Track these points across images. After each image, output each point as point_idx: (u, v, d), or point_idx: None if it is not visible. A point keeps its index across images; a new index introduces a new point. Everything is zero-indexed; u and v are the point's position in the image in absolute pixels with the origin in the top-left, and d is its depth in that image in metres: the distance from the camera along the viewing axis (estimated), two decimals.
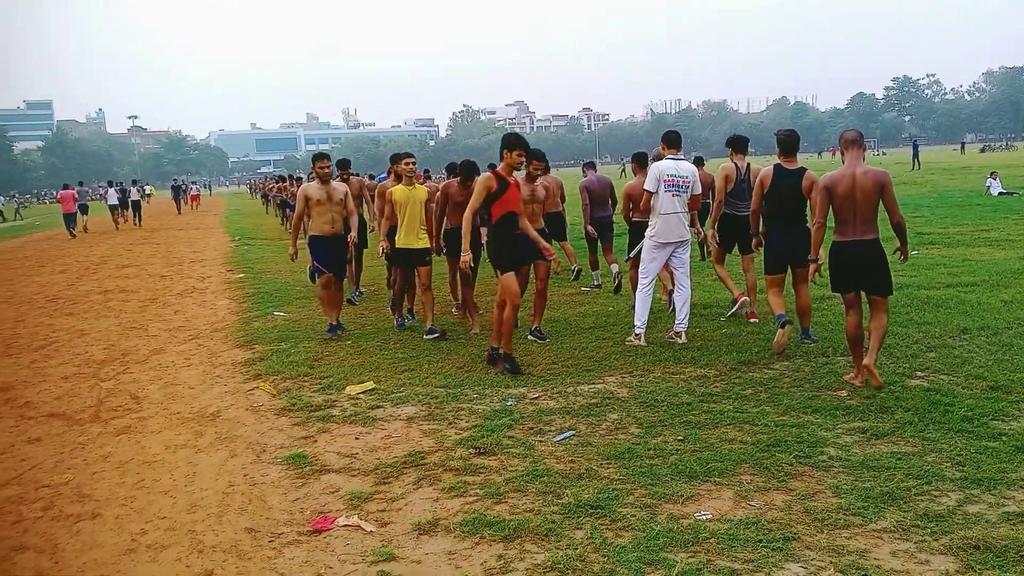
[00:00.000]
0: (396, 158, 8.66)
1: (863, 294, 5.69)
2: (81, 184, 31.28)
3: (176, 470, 4.80)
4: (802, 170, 6.70)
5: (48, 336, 9.34)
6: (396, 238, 8.13)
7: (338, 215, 8.34)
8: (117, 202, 31.58)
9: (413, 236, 8.07)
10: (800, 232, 6.64)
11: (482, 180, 6.58)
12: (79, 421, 5.91)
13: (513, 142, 6.57)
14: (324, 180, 8.31)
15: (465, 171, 8.36)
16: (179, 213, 39.83)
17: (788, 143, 6.79)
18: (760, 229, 7.03)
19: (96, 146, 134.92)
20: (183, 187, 46.53)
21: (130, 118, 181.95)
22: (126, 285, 13.74)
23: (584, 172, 10.61)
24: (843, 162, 5.67)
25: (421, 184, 9.20)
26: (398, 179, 8.59)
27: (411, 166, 8.19)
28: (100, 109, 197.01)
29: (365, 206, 11.72)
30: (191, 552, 3.72)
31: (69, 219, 27.12)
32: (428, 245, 8.24)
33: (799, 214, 6.76)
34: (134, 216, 31.93)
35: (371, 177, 21.10)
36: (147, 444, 5.31)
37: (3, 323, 10.43)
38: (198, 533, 3.91)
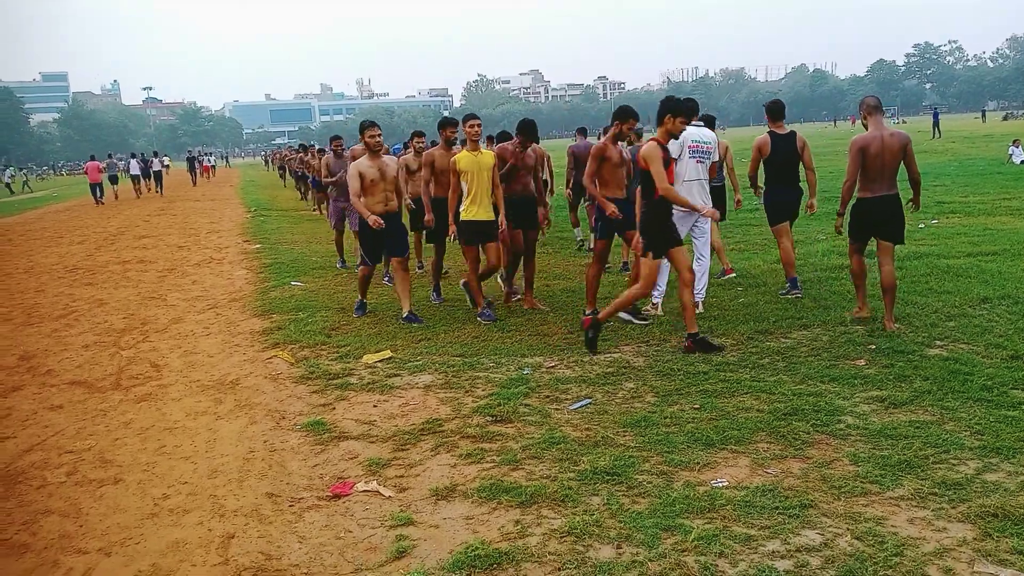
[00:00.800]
0: (447, 123, 7.99)
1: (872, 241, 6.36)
2: (110, 156, 34.58)
3: (197, 436, 4.86)
4: (793, 133, 7.54)
5: (68, 306, 9.43)
6: (462, 210, 7.37)
7: (391, 193, 7.53)
8: (139, 172, 33.35)
9: (484, 207, 7.33)
10: (797, 189, 7.60)
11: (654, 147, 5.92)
12: (100, 389, 5.99)
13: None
14: (375, 151, 7.45)
15: (527, 132, 7.73)
16: (194, 185, 39.38)
17: (776, 110, 7.60)
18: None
19: (111, 118, 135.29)
20: (198, 158, 46.41)
21: (145, 89, 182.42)
22: (144, 256, 13.84)
23: (575, 137, 11.53)
24: (866, 127, 6.15)
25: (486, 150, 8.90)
26: (417, 152, 8.63)
27: (477, 128, 7.37)
28: (115, 81, 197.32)
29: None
30: (213, 516, 3.77)
31: (95, 187, 28.94)
32: (495, 217, 7.41)
33: (796, 173, 7.56)
34: (156, 185, 33.61)
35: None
36: (168, 411, 5.38)
37: (24, 293, 10.54)
38: (219, 498, 3.97)
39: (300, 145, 26.80)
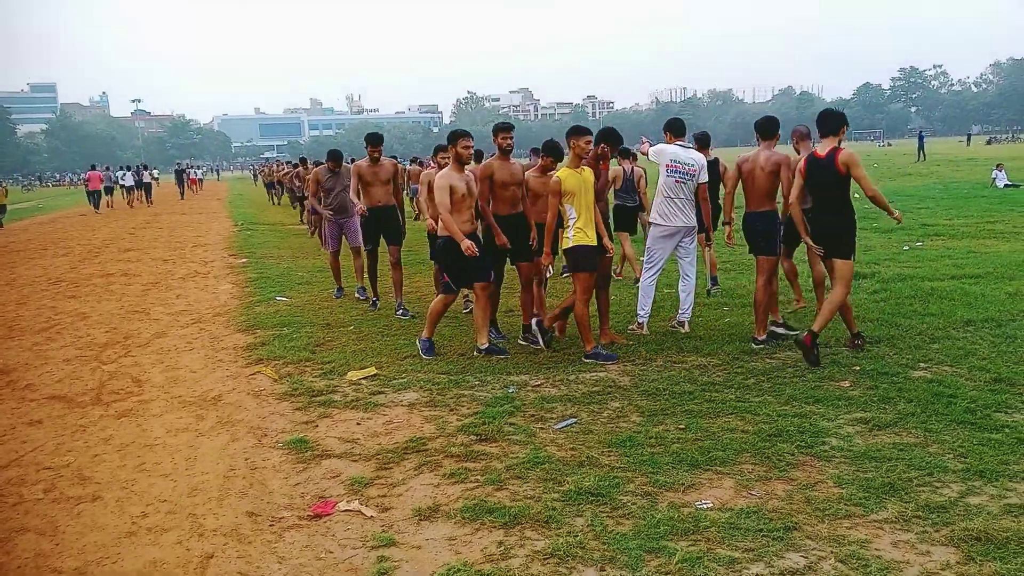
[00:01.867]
0: (501, 128, 6.88)
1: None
2: (108, 168, 36.47)
3: (177, 453, 4.80)
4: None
5: (50, 319, 9.34)
6: (571, 235, 6.48)
7: (473, 210, 6.85)
8: (132, 183, 35.40)
9: (592, 229, 6.52)
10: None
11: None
12: (80, 404, 5.92)
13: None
14: (464, 164, 6.72)
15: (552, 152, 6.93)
16: (182, 198, 39.21)
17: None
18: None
19: (99, 129, 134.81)
20: (186, 171, 46.09)
21: (134, 101, 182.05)
22: (128, 269, 13.73)
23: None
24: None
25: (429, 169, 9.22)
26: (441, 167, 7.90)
27: (588, 144, 6.46)
28: (104, 92, 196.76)
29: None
30: (192, 535, 3.72)
31: (94, 195, 31.18)
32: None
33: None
34: (146, 196, 35.18)
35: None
36: (148, 427, 5.32)
37: (5, 305, 10.43)
38: (199, 516, 3.92)
39: (300, 159, 24.69)
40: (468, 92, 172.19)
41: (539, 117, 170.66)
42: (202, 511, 3.98)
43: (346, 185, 9.31)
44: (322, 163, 12.59)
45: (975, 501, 3.66)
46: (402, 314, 8.46)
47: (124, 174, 36.18)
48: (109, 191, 32.65)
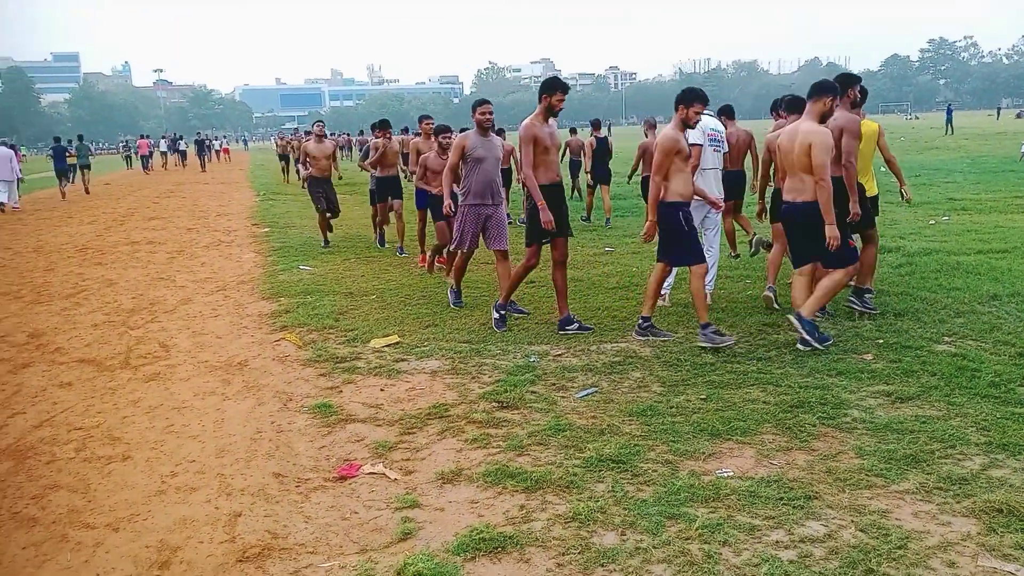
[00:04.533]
0: (690, 95, 5.98)
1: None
2: (149, 137, 48.81)
3: (205, 416, 4.89)
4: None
5: (78, 285, 9.48)
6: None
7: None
8: (167, 149, 45.05)
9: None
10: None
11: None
12: (109, 367, 6.02)
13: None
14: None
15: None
16: (203, 170, 37.98)
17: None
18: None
19: (122, 99, 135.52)
20: (207, 142, 45.49)
21: (156, 71, 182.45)
22: (153, 237, 13.88)
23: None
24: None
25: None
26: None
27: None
28: (126, 62, 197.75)
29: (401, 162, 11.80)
30: (220, 495, 3.80)
31: (144, 158, 40.43)
32: None
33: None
34: (181, 160, 44.46)
35: (405, 131, 21.18)
36: (176, 391, 5.41)
37: (34, 271, 10.59)
38: (227, 476, 4.00)
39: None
40: (489, 63, 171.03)
41: None
42: (230, 471, 4.06)
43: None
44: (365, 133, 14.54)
45: (997, 474, 3.65)
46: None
47: (161, 142, 46.82)
48: (150, 156, 41.07)
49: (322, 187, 11.68)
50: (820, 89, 5.64)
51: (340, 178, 12.80)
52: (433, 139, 9.04)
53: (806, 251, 5.84)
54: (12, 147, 24.99)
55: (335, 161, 12.18)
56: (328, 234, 12.02)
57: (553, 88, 6.20)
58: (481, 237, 7.08)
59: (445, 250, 8.56)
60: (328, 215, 11.81)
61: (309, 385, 5.38)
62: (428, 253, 9.45)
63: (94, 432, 4.69)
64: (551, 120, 6.31)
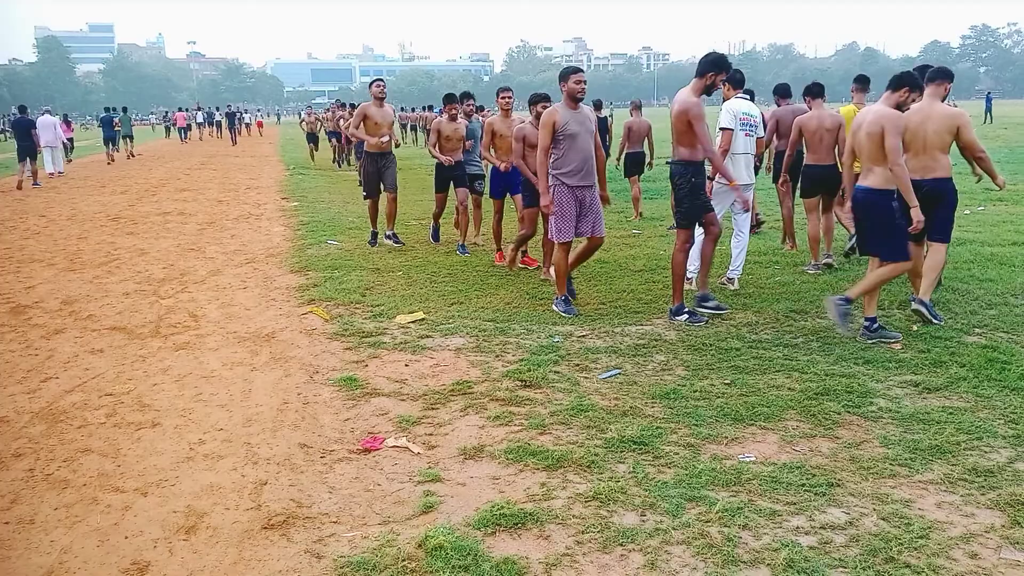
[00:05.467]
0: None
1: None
2: (187, 110, 52.51)
3: (233, 386, 4.97)
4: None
5: (110, 253, 9.62)
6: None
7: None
8: (203, 120, 48.08)
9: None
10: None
11: None
12: (140, 335, 6.12)
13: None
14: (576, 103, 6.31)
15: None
16: (234, 144, 37.53)
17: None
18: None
19: (155, 70, 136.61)
20: (238, 115, 44.90)
21: (189, 43, 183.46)
22: (184, 208, 14.03)
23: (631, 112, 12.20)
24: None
25: (475, 119, 9.60)
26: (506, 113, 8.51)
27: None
28: (160, 34, 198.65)
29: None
30: (246, 463, 3.87)
31: (182, 130, 44.26)
32: None
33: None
34: (218, 131, 45.13)
35: (429, 108, 21.12)
36: (205, 360, 5.49)
37: (67, 239, 10.77)
38: (253, 446, 4.06)
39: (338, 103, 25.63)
40: (521, 41, 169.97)
41: (592, 67, 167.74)
42: (256, 440, 4.12)
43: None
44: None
45: None
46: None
47: (196, 113, 50.40)
48: (187, 129, 44.76)
49: (378, 165, 9.63)
50: (935, 75, 5.77)
51: (398, 145, 10.76)
52: (532, 109, 7.36)
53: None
54: (65, 117, 30.92)
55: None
56: (384, 228, 9.89)
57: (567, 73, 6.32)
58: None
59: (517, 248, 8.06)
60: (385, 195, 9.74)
61: (335, 358, 5.43)
62: (512, 247, 8.14)
63: (124, 399, 4.78)
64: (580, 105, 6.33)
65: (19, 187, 17.46)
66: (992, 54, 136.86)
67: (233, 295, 7.37)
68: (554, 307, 6.42)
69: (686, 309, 6.09)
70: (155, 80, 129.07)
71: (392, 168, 9.74)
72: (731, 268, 7.17)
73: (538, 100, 7.39)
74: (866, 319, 5.56)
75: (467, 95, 10.09)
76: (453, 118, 9.37)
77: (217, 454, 3.99)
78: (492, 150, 8.53)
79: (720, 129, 6.94)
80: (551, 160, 6.23)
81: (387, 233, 9.87)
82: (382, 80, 9.88)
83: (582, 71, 6.39)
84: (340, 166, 23.13)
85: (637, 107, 12.34)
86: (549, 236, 6.66)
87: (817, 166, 7.62)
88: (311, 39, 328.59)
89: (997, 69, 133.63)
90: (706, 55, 5.98)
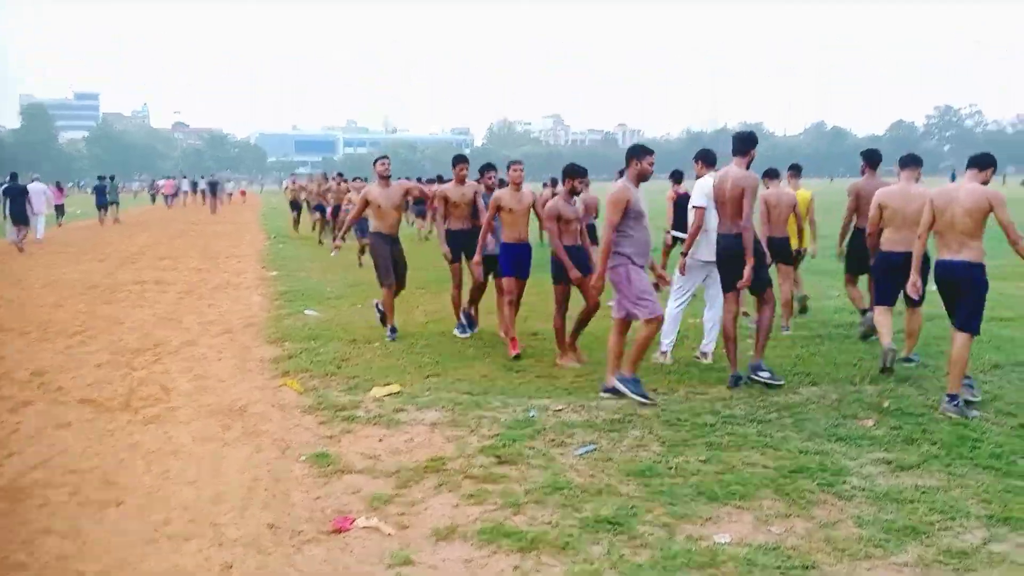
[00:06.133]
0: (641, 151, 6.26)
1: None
2: (174, 178, 53.96)
3: (202, 462, 4.88)
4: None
5: (85, 323, 9.52)
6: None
7: None
8: (189, 188, 49.99)
9: None
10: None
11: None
12: (109, 408, 6.03)
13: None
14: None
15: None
16: (213, 212, 36.76)
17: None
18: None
19: (140, 139, 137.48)
20: (220, 184, 44.21)
21: (174, 113, 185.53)
22: (163, 277, 13.97)
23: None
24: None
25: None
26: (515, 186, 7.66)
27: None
28: (145, 104, 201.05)
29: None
30: (213, 544, 3.78)
31: (168, 197, 45.44)
32: None
33: None
34: (203, 198, 44.17)
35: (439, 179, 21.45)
36: (175, 434, 5.40)
37: (42, 307, 10.66)
38: (221, 525, 3.98)
39: (337, 174, 24.06)
40: (501, 116, 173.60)
41: (570, 143, 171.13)
42: (224, 520, 4.04)
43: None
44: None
45: (998, 548, 3.62)
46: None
47: (183, 182, 52.61)
48: (175, 194, 46.66)
49: (389, 248, 8.49)
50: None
51: (411, 223, 9.50)
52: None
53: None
54: (58, 183, 32.57)
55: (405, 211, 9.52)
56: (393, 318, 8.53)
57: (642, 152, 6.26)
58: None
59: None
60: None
61: (308, 433, 5.37)
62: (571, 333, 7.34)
63: (89, 476, 4.68)
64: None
65: (20, 250, 18.11)
66: (955, 133, 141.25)
67: (207, 366, 7.30)
68: (631, 393, 5.90)
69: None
70: (139, 149, 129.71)
71: (403, 258, 8.65)
72: (704, 342, 7.22)
73: (577, 174, 7.15)
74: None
75: (489, 166, 8.88)
76: (462, 181, 8.41)
77: (183, 535, 3.89)
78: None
79: (693, 207, 7.08)
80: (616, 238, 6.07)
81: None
82: (387, 157, 8.78)
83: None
84: (322, 243, 21.41)
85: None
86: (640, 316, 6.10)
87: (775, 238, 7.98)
88: (296, 112, 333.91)
89: (960, 147, 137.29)
90: (742, 133, 6.72)
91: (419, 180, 23.67)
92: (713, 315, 7.23)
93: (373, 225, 8.51)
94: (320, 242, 22.43)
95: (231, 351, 7.92)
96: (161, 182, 50.50)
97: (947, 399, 5.54)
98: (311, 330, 8.77)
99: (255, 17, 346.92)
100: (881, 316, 6.69)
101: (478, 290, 8.49)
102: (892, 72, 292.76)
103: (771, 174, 8.64)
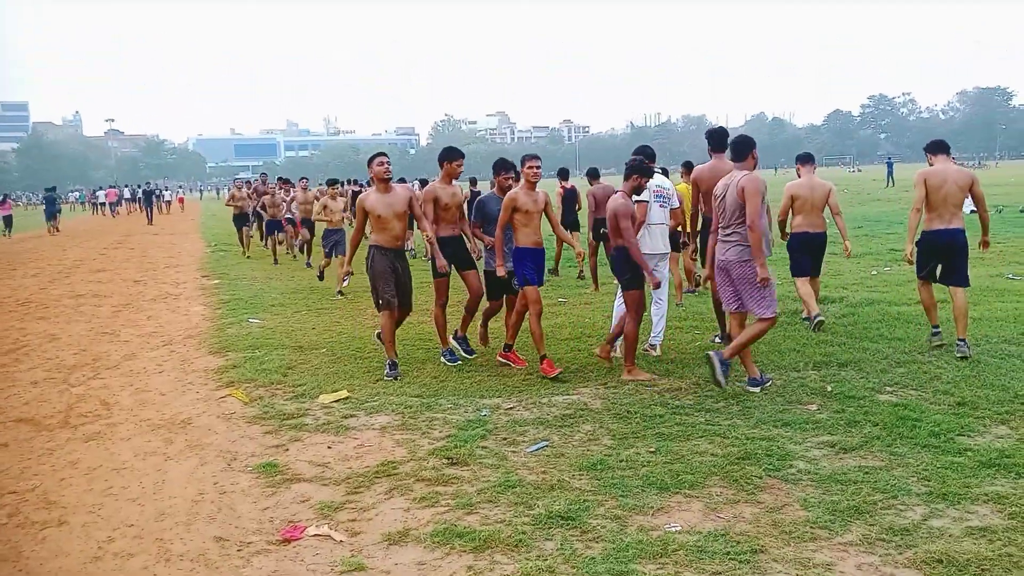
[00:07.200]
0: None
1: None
2: (116, 187, 54.75)
3: (145, 477, 4.76)
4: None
5: (18, 340, 9.21)
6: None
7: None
8: (129, 197, 52.60)
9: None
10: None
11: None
12: (48, 427, 5.84)
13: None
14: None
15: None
16: (150, 223, 35.11)
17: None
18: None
19: (72, 149, 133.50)
20: (156, 192, 43.67)
21: (107, 121, 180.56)
22: (99, 290, 13.59)
23: (590, 181, 12.13)
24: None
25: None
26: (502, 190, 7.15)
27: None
28: (77, 112, 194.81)
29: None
30: (158, 561, 3.69)
31: (112, 206, 47.86)
32: None
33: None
34: (140, 206, 44.09)
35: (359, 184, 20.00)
36: (116, 451, 5.26)
37: None
38: (166, 541, 3.88)
39: (280, 179, 20.54)
40: (445, 115, 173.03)
41: (516, 140, 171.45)
42: (169, 536, 3.94)
43: None
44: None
45: (937, 524, 3.72)
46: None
47: (124, 191, 54.88)
48: (118, 203, 49.12)
49: (393, 265, 6.96)
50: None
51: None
52: (634, 180, 6.53)
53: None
54: (5, 196, 33.46)
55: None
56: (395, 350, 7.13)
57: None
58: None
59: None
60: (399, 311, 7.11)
61: (254, 443, 5.27)
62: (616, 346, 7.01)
63: (29, 496, 4.53)
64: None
65: None
66: (890, 122, 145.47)
67: (148, 380, 7.12)
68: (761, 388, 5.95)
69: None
70: (72, 158, 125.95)
71: (409, 276, 7.18)
72: (652, 335, 7.30)
73: (507, 168, 7.33)
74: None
75: (506, 164, 7.50)
76: (455, 177, 7.38)
77: (127, 552, 3.79)
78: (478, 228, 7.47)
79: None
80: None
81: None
82: (385, 155, 7.09)
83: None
84: (300, 254, 16.85)
85: (596, 176, 12.38)
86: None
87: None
88: (234, 115, 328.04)
89: (895, 135, 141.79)
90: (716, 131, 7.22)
91: (359, 184, 22.90)
92: (660, 308, 7.32)
93: (372, 238, 6.97)
94: (293, 255, 17.62)
95: (172, 363, 7.74)
96: (101, 192, 51.90)
97: (960, 342, 6.58)
98: (255, 339, 8.62)
99: (188, 16, 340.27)
100: (803, 286, 7.87)
101: (494, 311, 7.62)
102: (828, 62, 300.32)
103: (804, 159, 8.86)
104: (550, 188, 10.54)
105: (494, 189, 7.38)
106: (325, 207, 12.79)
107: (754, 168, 6.13)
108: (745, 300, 6.03)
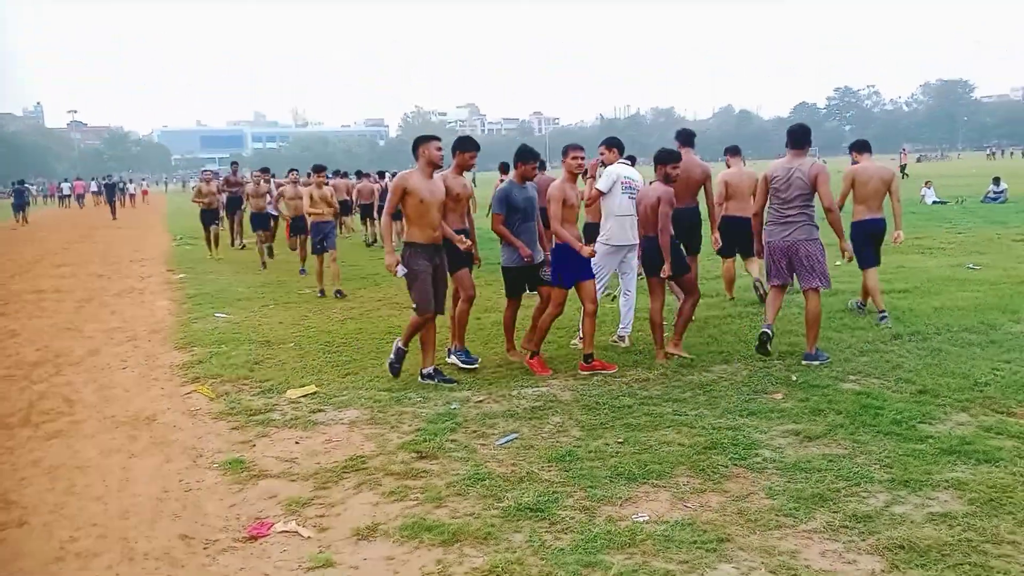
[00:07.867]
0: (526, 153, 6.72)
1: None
2: (82, 180, 55.77)
3: (109, 475, 4.69)
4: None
5: None
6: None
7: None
8: (96, 190, 48.32)
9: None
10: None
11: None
12: (8, 425, 5.73)
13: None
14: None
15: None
16: (114, 218, 33.74)
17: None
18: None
19: (33, 140, 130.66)
20: (120, 186, 43.10)
21: (70, 112, 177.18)
22: (61, 285, 13.34)
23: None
24: (728, 166, 9.22)
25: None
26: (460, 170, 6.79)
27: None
28: (38, 103, 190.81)
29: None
30: (122, 560, 3.64)
31: (79, 197, 50.11)
32: None
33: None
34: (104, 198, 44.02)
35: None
36: (79, 448, 5.17)
37: None
38: (130, 540, 3.83)
39: (262, 169, 16.77)
40: (415, 107, 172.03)
41: (486, 132, 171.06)
42: (134, 535, 3.89)
43: None
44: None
45: (899, 510, 3.79)
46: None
47: (91, 183, 52.36)
48: (82, 196, 49.88)
49: (429, 263, 6.27)
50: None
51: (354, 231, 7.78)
52: (662, 169, 6.63)
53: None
54: None
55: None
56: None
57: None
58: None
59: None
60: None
61: (220, 440, 5.21)
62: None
63: None
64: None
65: None
66: (855, 114, 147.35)
67: (112, 376, 7.01)
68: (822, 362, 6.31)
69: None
70: (33, 150, 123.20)
71: (445, 275, 6.52)
72: (621, 326, 7.34)
73: (533, 157, 6.78)
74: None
75: (531, 153, 6.81)
76: (467, 168, 6.90)
77: (91, 552, 3.73)
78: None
79: (596, 190, 7.19)
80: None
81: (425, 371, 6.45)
82: (438, 139, 6.41)
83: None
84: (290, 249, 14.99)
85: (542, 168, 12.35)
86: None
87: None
88: (200, 106, 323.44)
89: (860, 127, 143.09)
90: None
91: (343, 174, 22.60)
92: (628, 300, 7.35)
93: (407, 233, 6.27)
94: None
95: (136, 359, 7.63)
96: (67, 184, 54.10)
97: (880, 314, 7.59)
98: (221, 333, 8.52)
99: (151, 6, 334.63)
100: (871, 278, 8.04)
101: (541, 312, 6.89)
102: (795, 55, 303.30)
103: (732, 151, 9.63)
104: (490, 181, 10.30)
105: (511, 178, 6.88)
106: (311, 197, 11.04)
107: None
108: (805, 276, 6.43)
